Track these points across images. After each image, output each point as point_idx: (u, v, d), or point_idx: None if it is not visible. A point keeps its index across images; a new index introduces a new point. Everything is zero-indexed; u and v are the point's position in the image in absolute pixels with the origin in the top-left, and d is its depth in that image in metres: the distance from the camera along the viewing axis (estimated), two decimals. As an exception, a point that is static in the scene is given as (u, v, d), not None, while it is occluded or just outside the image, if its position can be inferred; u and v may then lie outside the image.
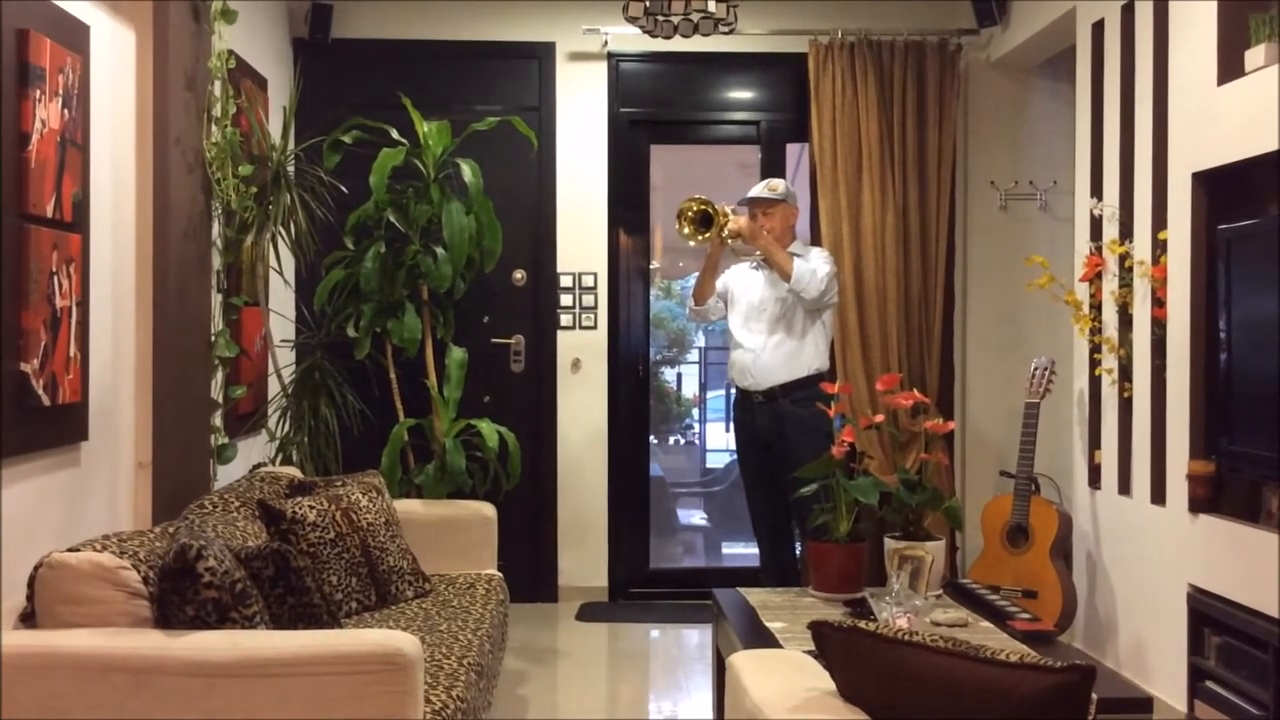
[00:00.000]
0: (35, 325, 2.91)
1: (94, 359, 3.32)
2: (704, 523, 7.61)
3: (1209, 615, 3.69)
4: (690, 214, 4.70)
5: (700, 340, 8.62)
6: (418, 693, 2.37)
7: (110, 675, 2.30)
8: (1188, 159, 3.84)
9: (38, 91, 2.91)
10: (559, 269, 5.65)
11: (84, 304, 3.21)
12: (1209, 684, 3.68)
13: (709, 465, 8.29)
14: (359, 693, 2.30)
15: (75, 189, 3.14)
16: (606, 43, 5.62)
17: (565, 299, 5.66)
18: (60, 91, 3.04)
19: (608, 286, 5.68)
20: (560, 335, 5.65)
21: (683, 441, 8.49)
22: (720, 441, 8.30)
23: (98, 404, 3.35)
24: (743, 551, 6.70)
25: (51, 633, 2.40)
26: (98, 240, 3.35)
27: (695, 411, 8.60)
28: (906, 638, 1.84)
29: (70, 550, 2.47)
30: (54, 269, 3.01)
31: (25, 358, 2.86)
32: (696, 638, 5.12)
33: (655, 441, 6.51)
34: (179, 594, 2.42)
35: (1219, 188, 3.77)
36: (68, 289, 3.09)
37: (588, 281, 5.65)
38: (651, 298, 5.96)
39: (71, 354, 3.12)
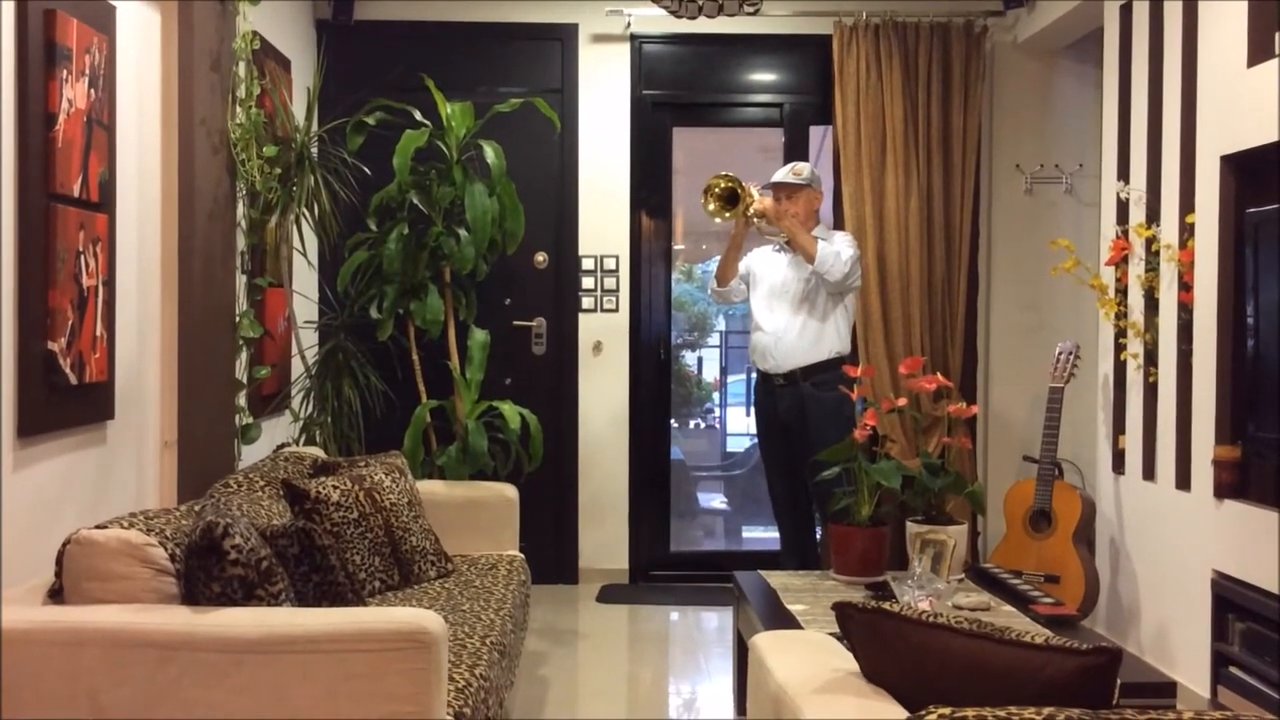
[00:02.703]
0: (62, 304, 2.93)
1: (120, 338, 3.34)
2: (724, 506, 7.62)
3: (1233, 601, 3.67)
4: (717, 190, 4.70)
5: (721, 324, 8.60)
6: (442, 670, 2.38)
7: (137, 651, 2.32)
8: (1216, 142, 3.80)
9: (64, 72, 2.93)
10: (581, 251, 5.65)
11: (110, 284, 3.23)
12: (1232, 669, 3.67)
13: (729, 449, 8.28)
14: (384, 670, 2.32)
15: (102, 169, 3.16)
16: (629, 24, 5.60)
17: (587, 282, 5.65)
18: (87, 72, 3.06)
19: (629, 269, 5.67)
20: (582, 318, 5.66)
21: (703, 425, 8.49)
22: (741, 425, 8.29)
23: (124, 383, 3.37)
24: (763, 535, 6.71)
25: (79, 608, 2.42)
26: (124, 220, 3.37)
27: (716, 395, 8.59)
28: (931, 619, 1.84)
29: (98, 527, 2.49)
30: (80, 248, 3.03)
31: (52, 337, 2.88)
32: (716, 620, 5.13)
33: (676, 425, 6.50)
34: (205, 571, 2.44)
35: (1248, 171, 3.73)
36: (94, 269, 3.11)
37: (609, 264, 5.65)
38: (673, 281, 5.95)
39: (98, 333, 3.14)
